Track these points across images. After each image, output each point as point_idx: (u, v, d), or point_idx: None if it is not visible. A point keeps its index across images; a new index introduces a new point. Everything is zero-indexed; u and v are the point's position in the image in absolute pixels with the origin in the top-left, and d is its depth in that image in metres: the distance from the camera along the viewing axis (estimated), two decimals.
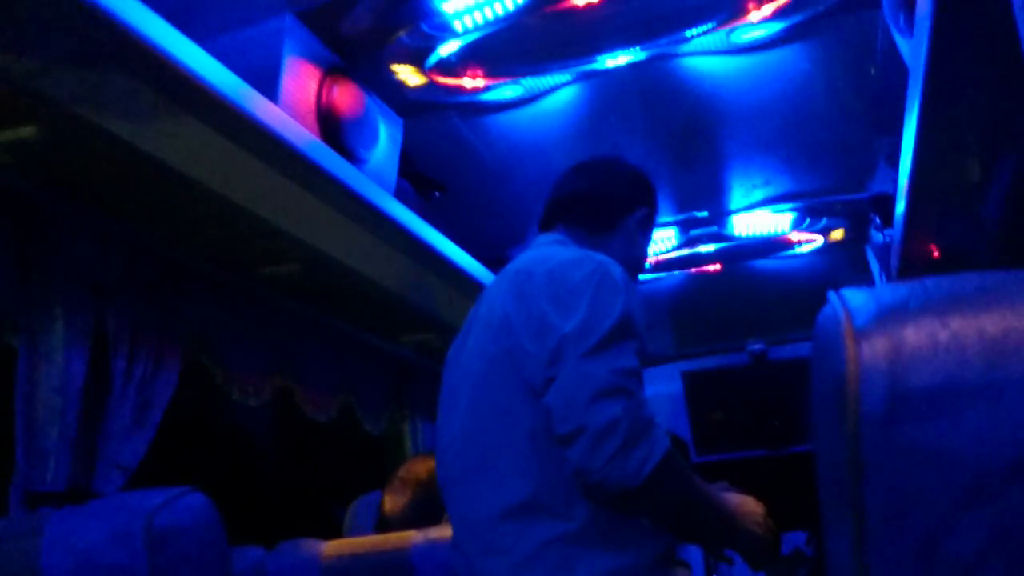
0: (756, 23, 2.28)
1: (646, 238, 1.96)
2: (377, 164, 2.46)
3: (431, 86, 2.43)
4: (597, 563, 1.42)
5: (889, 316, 0.52)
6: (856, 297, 0.56)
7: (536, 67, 2.44)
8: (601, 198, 1.91)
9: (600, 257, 1.59)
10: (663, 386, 5.00)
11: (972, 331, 0.50)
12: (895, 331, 0.52)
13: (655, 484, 1.34)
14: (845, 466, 0.51)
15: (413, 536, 2.24)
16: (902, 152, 2.32)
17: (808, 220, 3.58)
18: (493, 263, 2.98)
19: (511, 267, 1.69)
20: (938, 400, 0.49)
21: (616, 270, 1.56)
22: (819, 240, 3.79)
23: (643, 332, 1.54)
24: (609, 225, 1.87)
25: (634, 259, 1.90)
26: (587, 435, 1.35)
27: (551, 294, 1.51)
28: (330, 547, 2.31)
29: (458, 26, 2.17)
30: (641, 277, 4.01)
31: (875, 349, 0.51)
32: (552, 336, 1.45)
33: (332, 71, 2.25)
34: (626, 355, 1.44)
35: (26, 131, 1.84)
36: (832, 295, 0.58)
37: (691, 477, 1.48)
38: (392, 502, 2.61)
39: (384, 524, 2.60)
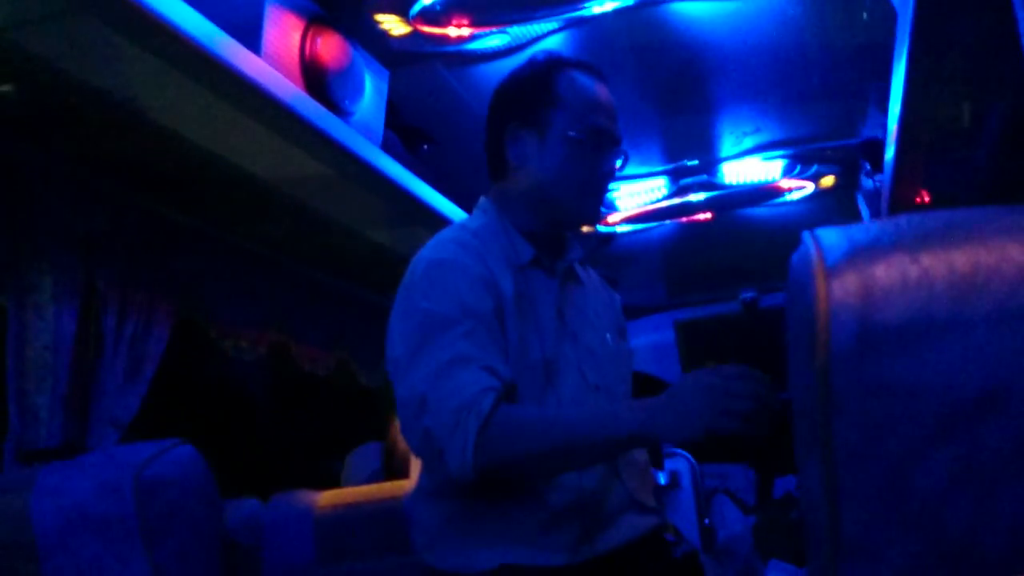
0: None
1: (548, 148, 1.62)
2: (363, 116, 2.44)
3: (416, 36, 2.40)
4: None
5: (860, 253, 0.53)
6: (829, 236, 0.56)
7: (522, 15, 2.41)
8: (486, 145, 1.72)
9: (418, 255, 1.57)
10: (655, 336, 5.02)
11: (942, 267, 0.50)
12: (866, 268, 0.52)
13: (488, 461, 1.34)
14: (816, 402, 0.52)
15: (407, 485, 2.27)
16: (891, 97, 2.31)
17: (798, 167, 3.57)
18: None
19: None
20: (907, 336, 0.50)
21: (426, 262, 1.53)
22: (810, 187, 3.78)
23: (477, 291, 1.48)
24: (500, 166, 1.69)
25: (550, 183, 1.63)
26: (419, 454, 1.46)
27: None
28: (324, 498, 2.34)
29: None
30: (634, 227, 4.03)
31: (845, 286, 0.51)
32: (387, 356, 1.54)
33: (315, 22, 2.22)
34: (431, 354, 1.41)
35: (5, 87, 1.82)
36: (806, 235, 0.58)
37: (534, 423, 1.40)
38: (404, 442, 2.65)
39: (393, 468, 2.63)
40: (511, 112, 1.66)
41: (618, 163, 1.69)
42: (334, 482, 3.49)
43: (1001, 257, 0.50)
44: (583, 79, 1.66)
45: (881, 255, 0.52)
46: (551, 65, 1.67)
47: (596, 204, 1.69)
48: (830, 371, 0.51)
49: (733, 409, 1.25)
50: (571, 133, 1.61)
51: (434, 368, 1.40)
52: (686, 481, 4.20)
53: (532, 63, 1.70)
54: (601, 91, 1.67)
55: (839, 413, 0.51)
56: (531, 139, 1.64)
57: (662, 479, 4.03)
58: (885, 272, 0.51)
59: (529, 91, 1.66)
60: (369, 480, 3.12)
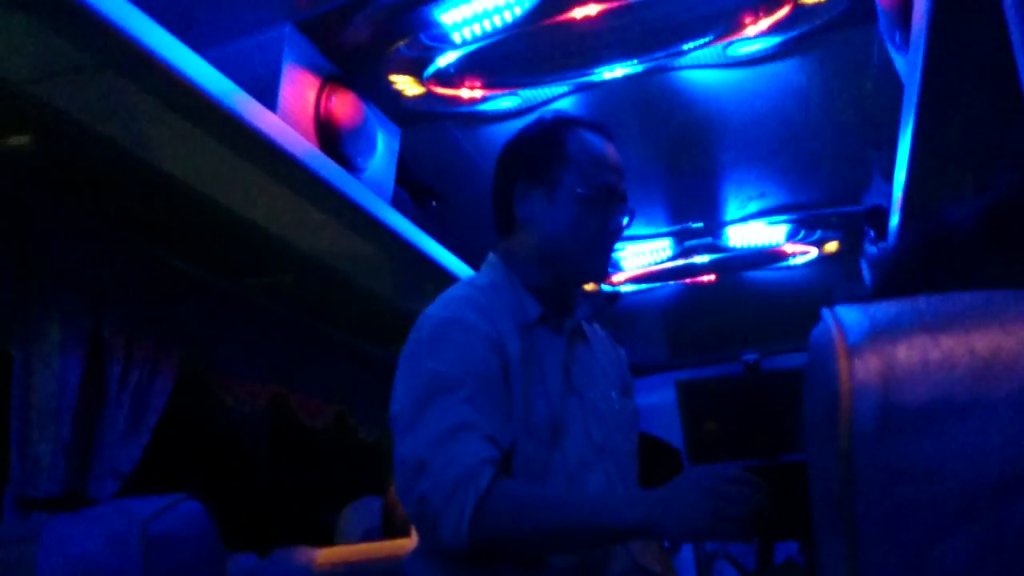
0: (753, 37, 2.30)
1: (557, 205, 1.64)
2: (375, 173, 2.47)
3: (429, 96, 2.44)
4: None
5: (881, 333, 0.53)
6: (849, 314, 0.56)
7: (534, 78, 2.45)
8: (493, 201, 1.74)
9: (426, 312, 1.58)
10: (656, 395, 5.01)
11: (963, 349, 0.51)
12: (887, 349, 0.52)
13: (483, 535, 1.34)
14: (837, 481, 0.52)
15: (407, 544, 2.25)
16: (896, 166, 2.33)
17: (803, 232, 3.59)
18: None
19: None
20: (929, 417, 0.50)
21: (433, 319, 1.54)
22: (813, 252, 3.81)
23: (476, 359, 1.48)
24: (508, 223, 1.71)
25: (558, 239, 1.64)
26: (412, 517, 1.44)
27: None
28: (323, 555, 2.32)
29: (456, 37, 2.18)
30: (637, 287, 4.04)
31: (867, 366, 0.52)
32: (390, 411, 1.52)
33: (331, 80, 2.26)
34: (433, 418, 1.42)
35: (23, 139, 1.85)
36: (825, 312, 0.58)
37: (532, 503, 1.40)
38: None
39: (394, 526, 2.61)
40: (521, 169, 1.69)
41: (625, 220, 1.71)
42: (329, 537, 3.46)
43: (1021, 341, 0.50)
44: (591, 138, 1.68)
45: (902, 336, 0.53)
46: (560, 124, 1.70)
47: (603, 261, 1.70)
48: (852, 451, 0.51)
49: (730, 515, 1.27)
50: (580, 191, 1.63)
51: (435, 433, 1.40)
52: (687, 544, 4.16)
53: (541, 122, 1.73)
54: (609, 150, 1.69)
55: (861, 492, 0.51)
56: (540, 196, 1.66)
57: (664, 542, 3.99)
58: (907, 353, 0.52)
59: (539, 149, 1.68)
60: (365, 536, 3.10)
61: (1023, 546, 0.48)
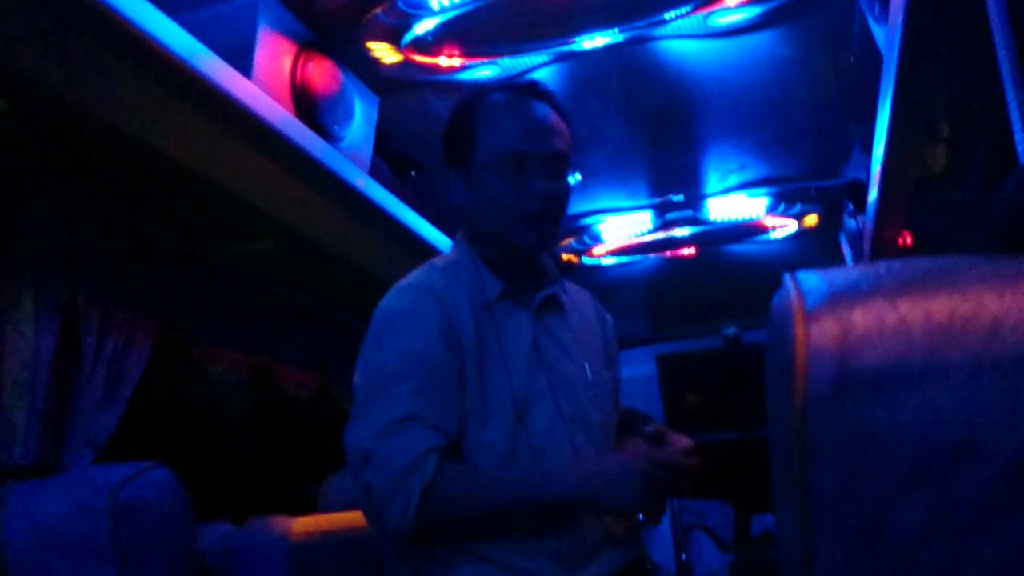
0: (733, 7, 2.29)
1: (473, 184, 1.60)
2: (352, 142, 2.45)
3: (407, 64, 2.42)
4: None
5: (839, 298, 0.53)
6: (809, 280, 0.56)
7: (513, 47, 2.43)
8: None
9: (380, 303, 1.58)
10: (637, 369, 5.03)
11: (919, 314, 0.51)
12: (844, 313, 0.52)
13: (428, 521, 1.38)
14: (793, 446, 0.52)
15: None
16: (875, 139, 2.33)
17: (782, 205, 3.60)
18: None
19: None
20: (884, 382, 0.50)
21: (383, 311, 1.55)
22: (793, 225, 3.82)
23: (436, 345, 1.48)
24: (460, 206, 1.66)
25: (483, 216, 1.60)
26: (359, 503, 1.46)
27: None
28: (300, 524, 2.31)
29: (435, 4, 2.16)
30: (618, 260, 4.04)
31: (824, 331, 0.52)
32: None
33: (307, 47, 2.23)
34: (380, 408, 1.44)
35: None
36: (787, 277, 0.58)
37: (474, 488, 1.43)
38: None
39: None
40: (445, 157, 1.66)
41: (572, 179, 1.64)
42: (311, 507, 3.46)
43: (978, 306, 0.50)
44: (502, 102, 1.60)
45: (860, 300, 0.53)
46: (472, 98, 1.64)
47: (539, 229, 1.59)
48: (807, 415, 0.51)
49: (656, 494, 1.43)
50: (485, 160, 1.57)
51: (381, 424, 1.42)
52: (664, 516, 4.19)
53: (456, 104, 1.67)
54: (524, 110, 1.59)
55: (816, 457, 0.51)
56: (460, 178, 1.62)
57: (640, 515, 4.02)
58: (863, 318, 0.52)
59: (451, 132, 1.64)
60: (346, 506, 3.10)
61: (976, 510, 0.48)
